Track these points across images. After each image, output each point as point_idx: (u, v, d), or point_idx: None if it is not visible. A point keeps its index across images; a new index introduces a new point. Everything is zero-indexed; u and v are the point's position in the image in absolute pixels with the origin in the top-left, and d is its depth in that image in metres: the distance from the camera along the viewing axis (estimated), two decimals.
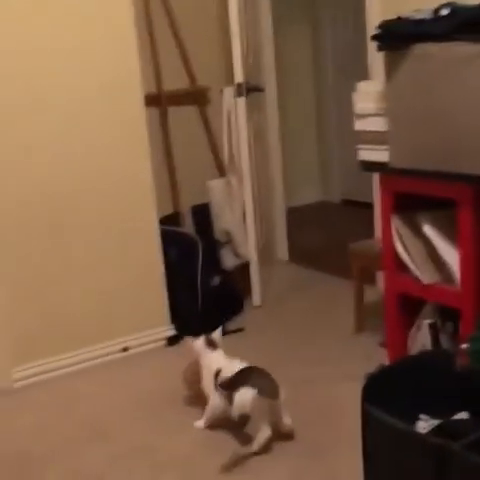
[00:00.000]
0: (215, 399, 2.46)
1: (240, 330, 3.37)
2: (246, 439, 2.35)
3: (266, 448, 2.31)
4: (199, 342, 2.61)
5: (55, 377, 2.99)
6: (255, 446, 2.30)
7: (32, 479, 2.26)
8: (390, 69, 2.38)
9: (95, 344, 3.12)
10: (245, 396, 2.30)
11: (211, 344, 2.60)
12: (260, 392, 2.29)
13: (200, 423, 2.51)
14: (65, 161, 2.97)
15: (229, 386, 2.38)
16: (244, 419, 2.32)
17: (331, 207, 6.07)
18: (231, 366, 2.46)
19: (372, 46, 2.86)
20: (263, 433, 2.31)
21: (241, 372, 2.39)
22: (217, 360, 2.53)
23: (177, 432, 2.47)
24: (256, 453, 2.30)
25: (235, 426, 2.36)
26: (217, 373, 2.46)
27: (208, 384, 2.50)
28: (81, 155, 3.00)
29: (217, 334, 2.65)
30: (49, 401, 2.81)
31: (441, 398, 2.12)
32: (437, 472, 1.75)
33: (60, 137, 2.95)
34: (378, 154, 2.51)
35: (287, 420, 2.39)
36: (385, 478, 1.94)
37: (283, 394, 2.35)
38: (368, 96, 2.53)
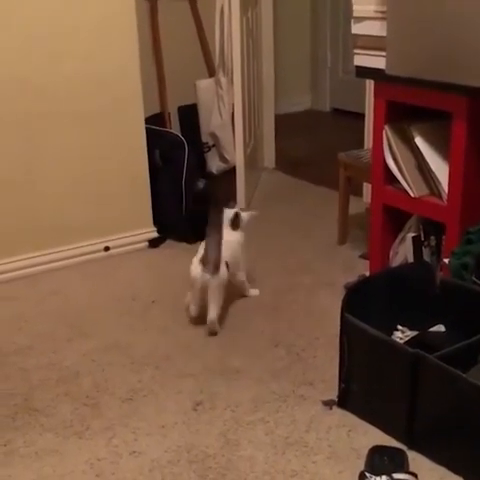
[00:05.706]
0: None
1: None
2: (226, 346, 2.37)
3: (213, 330, 2.41)
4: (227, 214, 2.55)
5: (35, 273, 2.97)
6: (207, 331, 2.41)
7: (9, 370, 2.28)
8: None
9: (77, 242, 3.09)
10: (192, 266, 2.40)
11: (235, 222, 2.59)
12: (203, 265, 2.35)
13: None
14: (49, 52, 2.83)
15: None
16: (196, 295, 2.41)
17: (321, 116, 5.97)
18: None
19: None
20: (210, 315, 2.39)
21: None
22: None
23: (155, 332, 2.49)
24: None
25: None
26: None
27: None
28: (63, 44, 2.86)
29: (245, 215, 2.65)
30: (28, 296, 2.80)
31: (419, 310, 2.14)
32: (411, 382, 1.78)
33: (40, 26, 2.80)
34: (374, 60, 2.42)
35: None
36: (360, 384, 1.98)
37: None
38: None
